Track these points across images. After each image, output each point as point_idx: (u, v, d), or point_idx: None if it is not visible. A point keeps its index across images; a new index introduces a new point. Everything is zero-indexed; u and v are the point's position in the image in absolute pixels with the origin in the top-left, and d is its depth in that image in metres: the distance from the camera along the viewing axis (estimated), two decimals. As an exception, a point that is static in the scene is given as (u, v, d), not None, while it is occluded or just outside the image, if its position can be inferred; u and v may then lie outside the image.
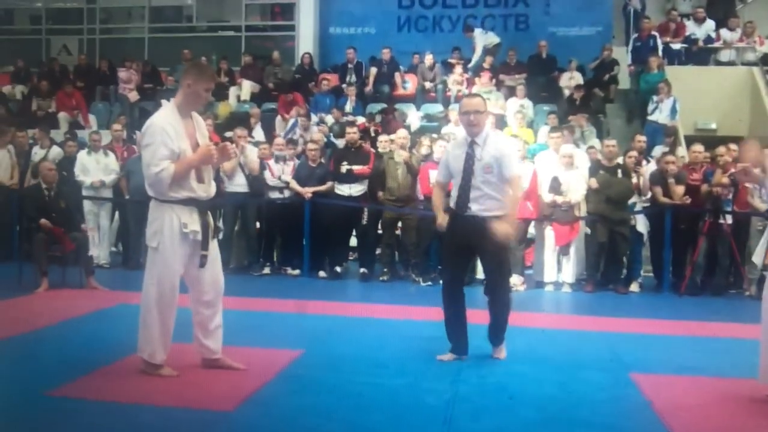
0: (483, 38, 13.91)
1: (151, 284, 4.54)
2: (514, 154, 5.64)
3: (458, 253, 5.38)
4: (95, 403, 4.15)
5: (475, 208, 5.13)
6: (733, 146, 8.94)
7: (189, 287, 4.70)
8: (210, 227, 4.62)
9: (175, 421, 3.91)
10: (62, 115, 13.76)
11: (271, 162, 9.71)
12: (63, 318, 6.52)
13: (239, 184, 9.54)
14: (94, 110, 14.39)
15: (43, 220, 8.04)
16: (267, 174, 9.60)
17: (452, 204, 5.32)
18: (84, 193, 9.91)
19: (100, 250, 9.85)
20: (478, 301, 5.66)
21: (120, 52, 15.91)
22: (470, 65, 13.74)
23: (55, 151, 10.80)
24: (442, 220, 5.38)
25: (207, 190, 4.64)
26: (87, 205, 9.86)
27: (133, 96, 14.39)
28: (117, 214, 10.37)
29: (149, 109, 13.72)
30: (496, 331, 5.38)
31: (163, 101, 4.64)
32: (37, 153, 10.74)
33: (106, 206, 10.13)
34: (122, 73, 14.61)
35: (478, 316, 5.40)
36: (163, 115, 4.51)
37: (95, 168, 9.98)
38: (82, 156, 10.08)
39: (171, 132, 4.42)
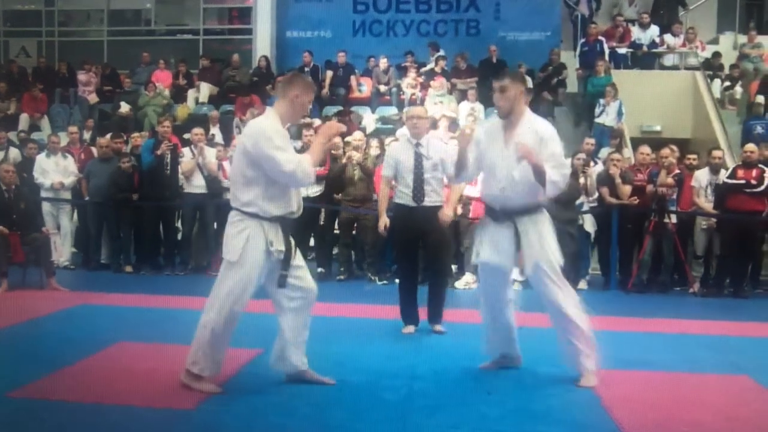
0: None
1: (225, 297, 4.32)
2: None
3: (410, 242, 6.25)
4: (58, 404, 4.17)
5: (427, 200, 6.05)
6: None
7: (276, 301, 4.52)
8: (292, 247, 4.42)
9: (137, 420, 3.93)
10: (24, 117, 13.64)
11: (226, 163, 9.79)
12: (24, 319, 6.51)
13: (198, 185, 9.59)
14: (53, 112, 14.27)
15: (0, 228, 8.02)
16: (221, 175, 9.68)
17: (404, 199, 6.09)
18: (43, 194, 9.88)
19: (62, 251, 9.82)
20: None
21: (79, 54, 15.84)
22: (423, 69, 13.94)
23: (14, 153, 10.75)
24: (384, 224, 6.38)
25: (300, 207, 4.51)
26: (46, 206, 9.83)
27: (93, 98, 14.36)
28: (75, 215, 10.34)
29: (108, 111, 13.73)
30: (439, 309, 6.24)
31: (268, 108, 4.54)
32: (-4, 155, 10.70)
33: (66, 208, 10.10)
34: (82, 76, 14.57)
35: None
36: (269, 123, 4.36)
37: (54, 170, 9.97)
38: (41, 158, 10.06)
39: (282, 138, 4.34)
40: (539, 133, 4.69)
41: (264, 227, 4.28)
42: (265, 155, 4.20)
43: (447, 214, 6.16)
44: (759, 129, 11.91)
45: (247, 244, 4.25)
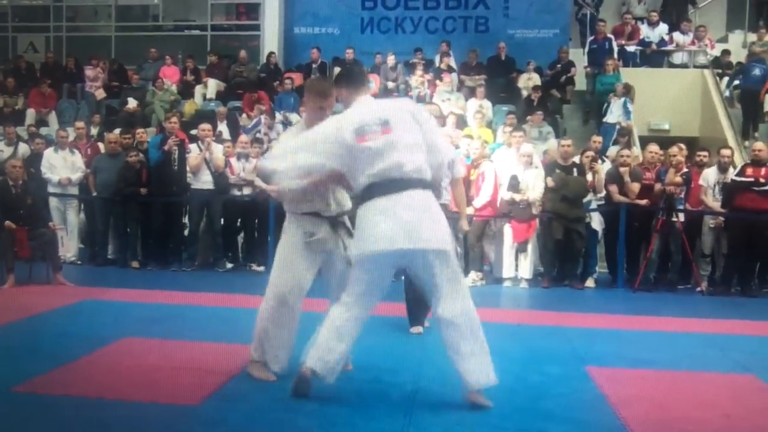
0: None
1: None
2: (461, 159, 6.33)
3: None
4: (62, 399, 4.16)
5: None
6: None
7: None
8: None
9: (142, 416, 3.91)
10: (30, 112, 13.68)
11: (233, 160, 9.81)
12: (30, 314, 6.51)
13: (205, 181, 9.61)
14: (60, 108, 14.31)
15: (7, 222, 8.03)
16: (227, 171, 9.70)
17: None
18: (51, 190, 9.90)
19: (69, 246, 9.85)
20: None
21: (86, 50, 15.91)
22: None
23: (23, 148, 10.78)
24: None
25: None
26: (53, 202, 9.86)
27: (100, 94, 14.40)
28: (82, 211, 10.36)
29: (115, 107, 13.76)
30: (421, 313, 5.97)
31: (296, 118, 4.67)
32: (4, 151, 10.70)
33: (73, 203, 10.11)
34: (89, 71, 14.61)
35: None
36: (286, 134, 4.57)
37: (62, 165, 9.98)
38: (49, 153, 10.07)
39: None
40: None
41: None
42: None
43: (464, 228, 6.22)
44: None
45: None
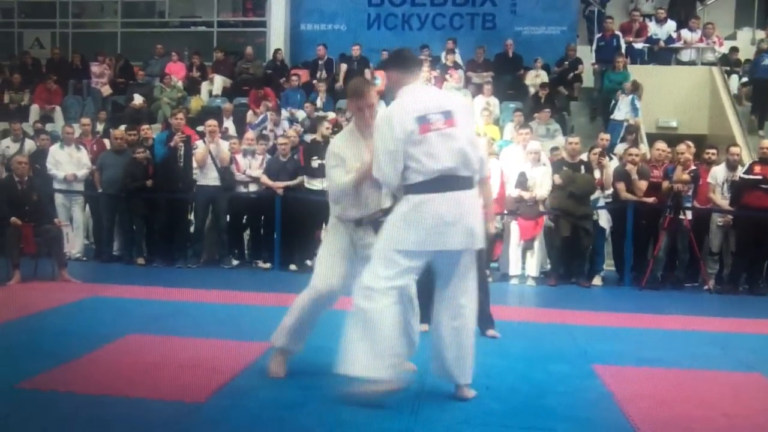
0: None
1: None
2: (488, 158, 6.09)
3: None
4: (67, 395, 4.16)
5: None
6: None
7: None
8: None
9: (147, 413, 3.91)
10: (36, 108, 13.69)
11: (239, 156, 9.79)
12: (35, 310, 6.51)
13: (211, 178, 9.59)
14: (66, 104, 14.30)
15: (13, 219, 8.03)
16: (233, 168, 9.70)
17: None
18: (56, 186, 9.90)
19: (74, 243, 9.86)
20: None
21: (92, 46, 15.91)
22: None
23: (29, 145, 10.79)
24: None
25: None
26: (59, 198, 9.86)
27: (106, 90, 14.39)
28: (88, 207, 10.36)
29: (121, 103, 13.77)
30: (486, 311, 5.77)
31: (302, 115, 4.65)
32: (10, 147, 10.71)
33: (79, 200, 10.11)
34: (95, 68, 14.61)
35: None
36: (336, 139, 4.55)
37: (68, 162, 9.97)
38: (55, 150, 10.07)
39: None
40: None
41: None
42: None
43: (491, 230, 6.09)
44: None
45: None
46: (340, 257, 4.51)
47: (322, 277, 4.52)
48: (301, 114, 12.70)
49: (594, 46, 13.96)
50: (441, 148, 3.95)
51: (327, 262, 4.53)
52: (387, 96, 13.73)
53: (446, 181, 3.96)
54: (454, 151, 3.96)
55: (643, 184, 8.96)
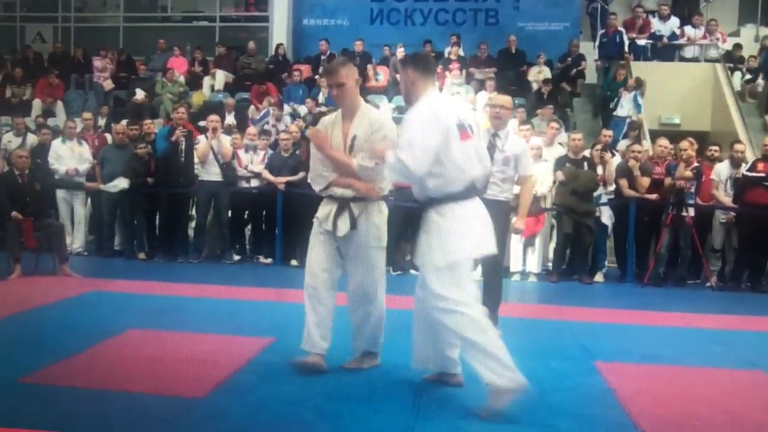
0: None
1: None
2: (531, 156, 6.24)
3: None
4: (67, 390, 4.16)
5: (488, 192, 5.24)
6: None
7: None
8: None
9: (147, 408, 3.91)
10: (37, 102, 13.67)
11: (241, 152, 9.79)
12: (36, 305, 6.51)
13: (213, 173, 9.58)
14: (68, 98, 14.29)
15: (14, 213, 8.03)
16: (235, 163, 9.68)
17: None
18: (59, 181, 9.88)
19: (76, 238, 9.86)
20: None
21: (95, 40, 15.90)
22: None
23: (32, 139, 10.78)
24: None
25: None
26: (61, 192, 9.84)
27: (108, 85, 14.38)
28: (89, 201, 10.35)
29: (123, 98, 13.75)
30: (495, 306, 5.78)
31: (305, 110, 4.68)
32: (12, 141, 10.70)
33: (80, 194, 10.09)
34: (97, 62, 14.61)
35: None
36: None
37: (69, 156, 9.94)
38: (57, 144, 10.04)
39: None
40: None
41: None
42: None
43: (518, 228, 6.17)
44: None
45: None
46: (321, 248, 4.62)
47: (307, 271, 4.67)
48: (303, 109, 12.68)
49: (597, 43, 13.96)
50: (473, 157, 4.10)
51: (309, 258, 4.68)
52: (389, 92, 13.78)
53: (474, 189, 4.13)
54: (483, 162, 4.21)
55: (645, 181, 8.93)
